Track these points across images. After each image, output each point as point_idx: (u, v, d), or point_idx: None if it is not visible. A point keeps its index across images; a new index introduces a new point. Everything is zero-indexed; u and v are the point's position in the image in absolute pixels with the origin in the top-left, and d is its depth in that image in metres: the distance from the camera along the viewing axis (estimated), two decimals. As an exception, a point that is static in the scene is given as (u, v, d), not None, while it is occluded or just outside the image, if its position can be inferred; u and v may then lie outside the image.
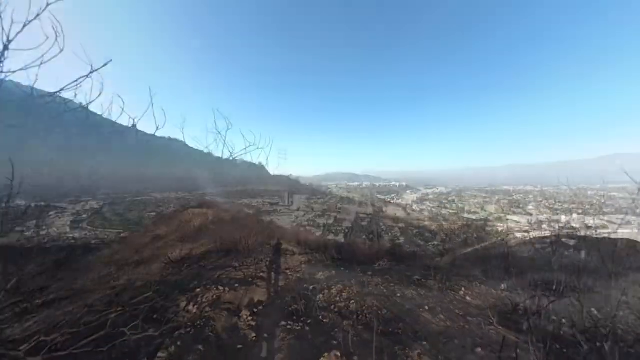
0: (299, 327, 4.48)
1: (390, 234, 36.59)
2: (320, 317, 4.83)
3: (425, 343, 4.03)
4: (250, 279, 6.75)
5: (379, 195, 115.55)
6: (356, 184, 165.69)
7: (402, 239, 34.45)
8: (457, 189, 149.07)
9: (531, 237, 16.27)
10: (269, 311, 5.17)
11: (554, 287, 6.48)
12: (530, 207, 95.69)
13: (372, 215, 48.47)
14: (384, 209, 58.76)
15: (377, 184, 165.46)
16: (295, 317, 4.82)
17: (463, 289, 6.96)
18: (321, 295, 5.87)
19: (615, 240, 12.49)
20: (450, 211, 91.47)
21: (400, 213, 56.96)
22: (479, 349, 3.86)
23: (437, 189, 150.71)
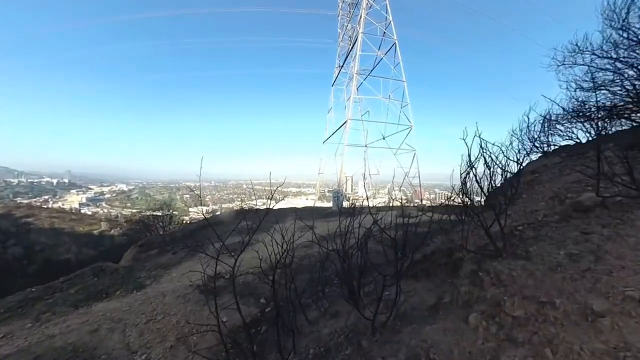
0: None
1: (51, 250, 26.88)
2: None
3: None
4: None
5: (19, 199, 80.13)
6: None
7: (70, 255, 26.66)
8: (141, 185, 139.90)
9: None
10: None
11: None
12: (207, 199, 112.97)
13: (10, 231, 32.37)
14: (32, 219, 41.02)
15: (16, 181, 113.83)
16: None
17: (162, 277, 7.30)
18: None
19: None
20: (134, 210, 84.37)
21: (62, 223, 42.15)
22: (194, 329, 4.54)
23: (117, 186, 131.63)
